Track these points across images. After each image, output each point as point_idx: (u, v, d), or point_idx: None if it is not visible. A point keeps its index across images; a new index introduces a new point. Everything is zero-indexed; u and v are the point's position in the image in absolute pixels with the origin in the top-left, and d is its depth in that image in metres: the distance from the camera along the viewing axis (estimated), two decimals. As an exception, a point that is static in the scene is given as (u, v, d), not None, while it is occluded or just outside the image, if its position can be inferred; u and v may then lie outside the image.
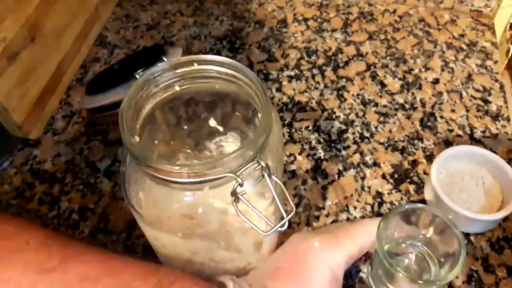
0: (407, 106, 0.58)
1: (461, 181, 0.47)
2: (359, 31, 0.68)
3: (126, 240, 0.47)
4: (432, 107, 0.58)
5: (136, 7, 0.75)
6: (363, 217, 0.48)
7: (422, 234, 0.42)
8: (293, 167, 0.53)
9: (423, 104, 0.58)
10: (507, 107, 0.58)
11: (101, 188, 0.52)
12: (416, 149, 0.54)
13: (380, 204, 0.49)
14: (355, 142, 0.55)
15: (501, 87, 0.60)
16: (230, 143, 0.42)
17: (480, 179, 0.47)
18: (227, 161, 0.29)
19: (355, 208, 0.49)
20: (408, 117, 0.57)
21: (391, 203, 0.49)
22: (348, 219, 0.48)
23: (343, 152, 0.54)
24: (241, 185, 0.30)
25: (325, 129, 0.56)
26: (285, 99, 0.60)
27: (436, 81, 0.61)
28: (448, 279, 0.36)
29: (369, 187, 0.51)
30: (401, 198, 0.50)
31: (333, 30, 0.69)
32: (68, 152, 0.55)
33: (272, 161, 0.34)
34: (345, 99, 0.59)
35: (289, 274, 0.37)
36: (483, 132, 0.55)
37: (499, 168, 0.46)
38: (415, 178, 0.51)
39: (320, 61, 0.64)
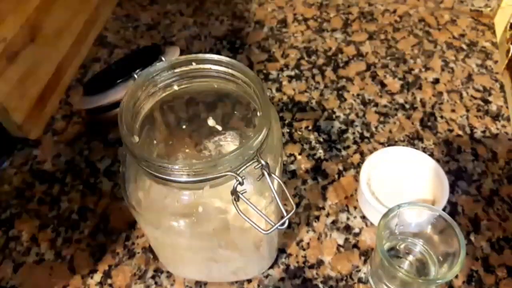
0: (407, 106, 0.58)
1: (393, 182, 0.48)
2: (359, 31, 0.68)
3: (126, 240, 0.47)
4: (432, 107, 0.58)
5: (136, 7, 0.75)
6: (363, 217, 0.48)
7: (422, 233, 0.42)
8: (293, 167, 0.53)
9: (423, 104, 0.58)
10: (507, 107, 0.57)
11: (101, 188, 0.52)
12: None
13: (380, 204, 0.49)
14: (355, 142, 0.55)
15: (501, 87, 0.60)
16: (229, 142, 0.42)
17: (411, 179, 0.48)
18: (227, 160, 0.29)
19: (355, 208, 0.49)
20: (408, 117, 0.57)
21: (391, 203, 0.49)
22: (348, 219, 0.48)
23: (343, 152, 0.54)
24: (241, 183, 0.30)
25: (325, 129, 0.56)
26: (285, 99, 0.60)
27: (436, 81, 0.61)
28: (447, 278, 0.36)
29: (369, 187, 0.51)
30: (401, 198, 0.50)
31: (333, 30, 0.69)
32: (68, 152, 0.55)
33: (272, 161, 0.34)
34: (345, 99, 0.59)
35: None
36: (483, 132, 0.55)
37: (432, 169, 0.47)
38: (415, 178, 0.51)
39: (320, 61, 0.64)
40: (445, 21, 0.69)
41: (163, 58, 0.36)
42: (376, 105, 0.59)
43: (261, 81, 0.33)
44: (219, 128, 0.42)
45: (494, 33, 0.67)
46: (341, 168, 0.52)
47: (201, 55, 0.35)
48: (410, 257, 0.43)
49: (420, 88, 0.60)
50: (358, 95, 0.60)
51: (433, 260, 0.41)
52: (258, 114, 0.33)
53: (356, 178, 0.51)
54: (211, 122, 0.41)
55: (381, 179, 0.48)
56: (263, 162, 0.30)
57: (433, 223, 0.40)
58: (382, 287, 0.41)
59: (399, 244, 0.43)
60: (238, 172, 0.30)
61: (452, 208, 0.48)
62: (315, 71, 0.63)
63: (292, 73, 0.63)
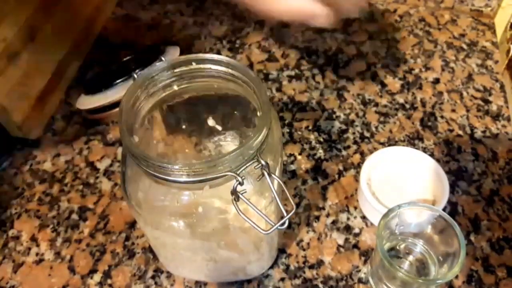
0: (407, 106, 0.58)
1: (393, 182, 0.47)
2: (359, 31, 0.68)
3: (126, 240, 0.47)
4: (433, 107, 0.58)
5: (136, 7, 0.75)
6: (363, 217, 0.48)
7: (422, 233, 0.42)
8: (293, 167, 0.53)
9: (424, 104, 0.58)
10: (507, 107, 0.57)
11: (101, 188, 0.52)
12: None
13: (380, 204, 0.49)
14: (355, 142, 0.55)
15: (502, 87, 0.60)
16: (228, 143, 0.42)
17: (412, 179, 0.48)
18: (227, 160, 0.29)
19: (355, 208, 0.49)
20: (409, 117, 0.57)
21: (391, 203, 0.49)
22: (348, 219, 0.48)
23: (343, 152, 0.54)
24: (241, 184, 0.30)
25: (325, 129, 0.56)
26: (285, 99, 0.60)
27: (436, 81, 0.61)
28: (447, 278, 0.36)
29: (369, 187, 0.51)
30: (402, 198, 0.50)
31: (333, 30, 0.69)
32: (68, 152, 0.55)
33: (272, 161, 0.34)
34: (345, 99, 0.59)
35: None
36: (484, 132, 0.55)
37: (432, 169, 0.47)
38: (416, 178, 0.51)
39: (320, 61, 0.64)
40: (445, 21, 0.69)
41: (163, 58, 0.36)
42: (376, 105, 0.59)
43: (261, 81, 0.33)
44: (219, 128, 0.42)
45: (494, 33, 0.67)
46: (341, 168, 0.52)
47: (201, 55, 0.35)
48: (410, 257, 0.43)
49: (420, 88, 0.60)
50: (358, 95, 0.60)
51: (433, 260, 0.41)
52: (258, 114, 0.33)
53: (356, 178, 0.51)
54: (211, 122, 0.41)
55: (381, 179, 0.48)
56: (263, 162, 0.30)
57: (433, 223, 0.40)
58: (382, 287, 0.41)
59: (399, 244, 0.43)
60: (238, 172, 0.30)
61: (452, 208, 0.48)
62: (315, 71, 0.63)
63: (292, 73, 0.63)
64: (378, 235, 0.38)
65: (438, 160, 0.50)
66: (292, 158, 0.54)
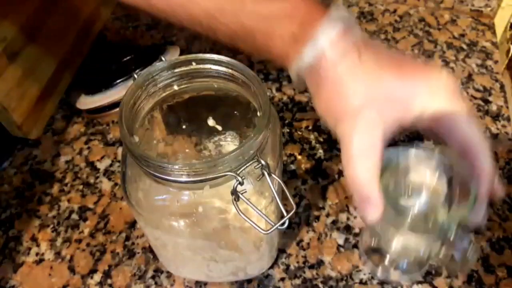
0: (407, 106, 0.58)
1: None
2: (359, 31, 0.68)
3: (126, 240, 0.47)
4: (432, 107, 0.58)
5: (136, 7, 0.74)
6: (363, 217, 0.48)
7: (426, 182, 0.40)
8: (293, 167, 0.53)
9: (423, 104, 0.58)
10: (507, 107, 0.57)
11: (101, 188, 0.52)
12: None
13: (380, 204, 0.49)
14: (355, 142, 0.55)
15: (502, 87, 0.60)
16: (228, 142, 0.42)
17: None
18: (227, 160, 0.29)
19: (355, 208, 0.49)
20: (408, 117, 0.57)
21: (391, 203, 0.49)
22: (348, 219, 0.48)
23: (343, 152, 0.54)
24: (241, 183, 0.30)
25: (325, 129, 0.56)
26: (285, 99, 0.60)
27: (436, 81, 0.61)
28: (456, 218, 0.34)
29: (369, 187, 0.50)
30: (401, 198, 0.50)
31: (333, 30, 0.69)
32: (68, 152, 0.55)
33: (272, 160, 0.34)
34: (345, 99, 0.59)
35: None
36: (484, 132, 0.55)
37: None
38: (415, 178, 0.51)
39: (320, 61, 0.64)
40: (445, 21, 0.69)
41: (163, 58, 0.36)
42: (376, 105, 0.58)
43: (261, 81, 0.33)
44: (219, 128, 0.42)
45: (494, 33, 0.67)
46: (341, 168, 0.52)
47: (201, 55, 0.35)
48: (417, 206, 0.41)
49: (420, 88, 0.60)
50: (358, 95, 0.60)
51: (440, 209, 0.39)
52: (258, 114, 0.33)
53: (356, 178, 0.51)
54: (211, 122, 0.41)
55: None
56: (263, 162, 0.30)
57: (442, 168, 0.39)
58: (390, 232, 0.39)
59: (403, 196, 0.41)
60: (238, 172, 0.30)
61: (452, 208, 0.48)
62: (315, 71, 0.63)
63: (292, 73, 0.63)
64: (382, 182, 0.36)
65: (438, 160, 0.50)
66: (292, 158, 0.54)
